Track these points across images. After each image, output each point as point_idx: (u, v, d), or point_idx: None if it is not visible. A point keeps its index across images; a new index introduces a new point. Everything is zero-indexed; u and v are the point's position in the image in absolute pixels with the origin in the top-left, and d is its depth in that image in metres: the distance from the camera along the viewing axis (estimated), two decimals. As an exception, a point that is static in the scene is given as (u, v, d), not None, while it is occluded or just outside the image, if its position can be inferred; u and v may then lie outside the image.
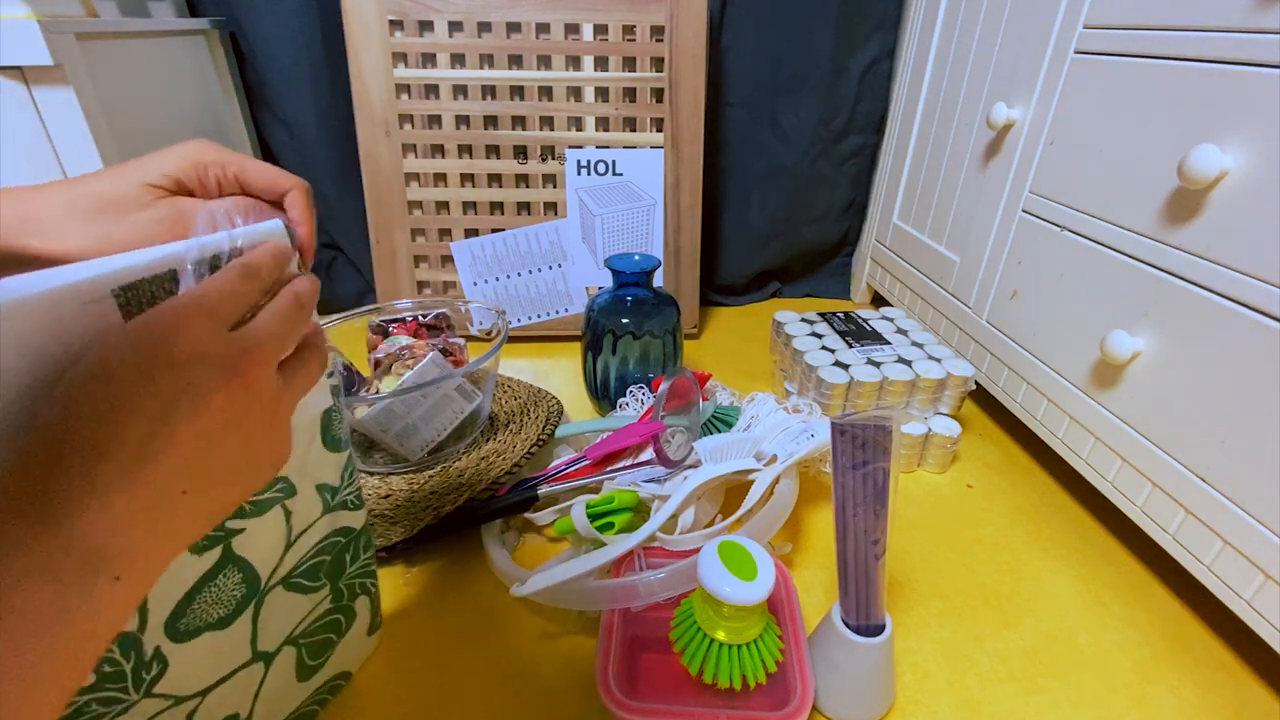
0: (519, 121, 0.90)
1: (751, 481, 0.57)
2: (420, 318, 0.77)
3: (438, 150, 0.90)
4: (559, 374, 0.91)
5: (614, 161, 0.92)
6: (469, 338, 0.80)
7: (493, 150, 0.90)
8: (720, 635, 0.43)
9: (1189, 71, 0.50)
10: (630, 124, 0.91)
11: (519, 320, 0.98)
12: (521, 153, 0.91)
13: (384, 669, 0.50)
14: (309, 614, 0.42)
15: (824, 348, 0.75)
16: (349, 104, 0.88)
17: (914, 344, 0.76)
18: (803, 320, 0.82)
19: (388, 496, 0.63)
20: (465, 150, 0.91)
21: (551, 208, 0.93)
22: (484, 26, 0.86)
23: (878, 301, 1.15)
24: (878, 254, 1.05)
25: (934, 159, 0.88)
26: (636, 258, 0.75)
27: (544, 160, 0.91)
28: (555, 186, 0.92)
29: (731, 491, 0.62)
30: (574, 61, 0.88)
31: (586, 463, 0.63)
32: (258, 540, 0.36)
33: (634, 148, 0.91)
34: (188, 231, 0.27)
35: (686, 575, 0.48)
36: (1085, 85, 0.61)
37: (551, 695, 0.48)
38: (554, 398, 0.76)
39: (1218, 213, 0.48)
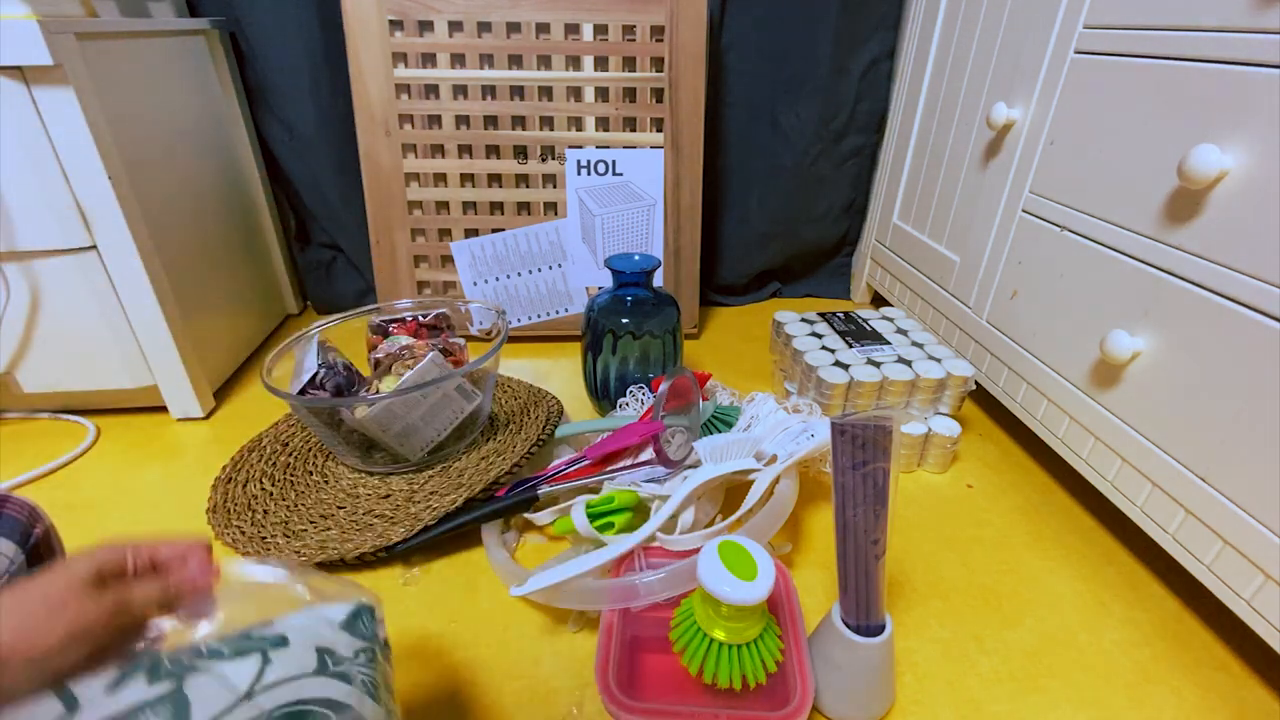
0: (519, 121, 0.90)
1: (751, 481, 0.57)
2: (420, 318, 0.77)
3: (438, 150, 0.90)
4: (559, 374, 0.91)
5: (614, 161, 0.92)
6: (469, 338, 0.80)
7: (493, 150, 0.90)
8: (720, 635, 0.43)
9: (1189, 71, 0.50)
10: (630, 124, 0.91)
11: (519, 320, 0.98)
12: (521, 153, 0.91)
13: (384, 669, 0.50)
14: None
15: (824, 348, 0.75)
16: (349, 104, 0.88)
17: (914, 344, 0.76)
18: (803, 320, 0.82)
19: (388, 497, 0.63)
20: (465, 150, 0.91)
21: (551, 208, 0.93)
22: (484, 26, 0.86)
23: (878, 301, 1.15)
24: (878, 254, 1.05)
25: (934, 159, 0.88)
26: (636, 258, 0.75)
27: (544, 160, 0.91)
28: (555, 186, 0.92)
29: (731, 491, 0.62)
30: (574, 61, 0.88)
31: (586, 463, 0.63)
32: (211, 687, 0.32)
33: (634, 148, 0.91)
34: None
35: (686, 575, 0.48)
36: (1085, 85, 0.61)
37: (551, 695, 0.48)
38: (554, 398, 0.76)
39: (1218, 213, 0.48)
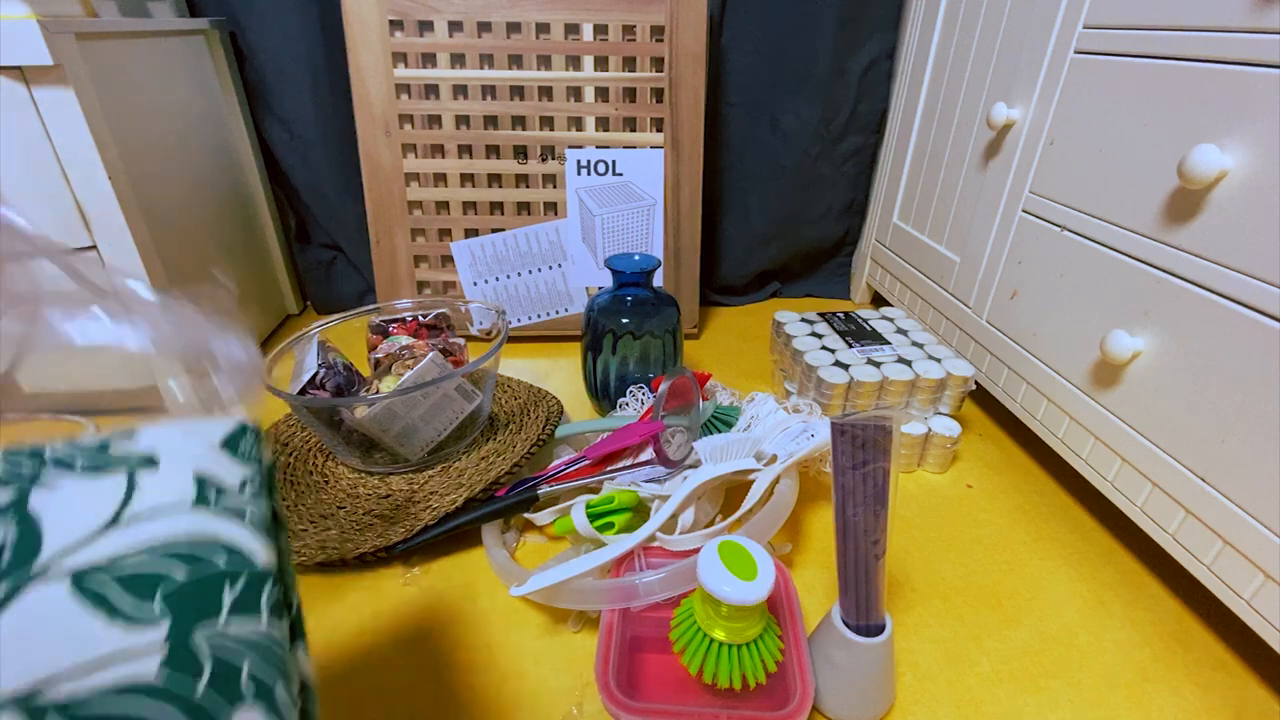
0: (519, 121, 0.90)
1: (751, 481, 0.57)
2: (420, 318, 0.77)
3: (438, 150, 0.90)
4: (559, 374, 0.91)
5: (614, 161, 0.92)
6: (469, 338, 0.80)
7: (493, 150, 0.90)
8: (720, 635, 0.43)
9: (1189, 71, 0.50)
10: (630, 124, 0.91)
11: (519, 320, 0.98)
12: (521, 153, 0.91)
13: (384, 669, 0.50)
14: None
15: (824, 348, 0.75)
16: (349, 104, 0.88)
17: (914, 344, 0.76)
18: (803, 320, 0.82)
19: (388, 496, 0.63)
20: (465, 150, 0.91)
21: (551, 208, 0.93)
22: (484, 26, 0.86)
23: (878, 301, 1.15)
24: (878, 254, 1.05)
25: (934, 159, 0.88)
26: (636, 258, 0.75)
27: (544, 160, 0.91)
28: (555, 186, 0.92)
29: (731, 491, 0.62)
30: (574, 61, 0.88)
31: (586, 463, 0.63)
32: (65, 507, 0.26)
33: (634, 148, 0.91)
34: None
35: (686, 575, 0.48)
36: (1085, 85, 0.61)
37: (551, 695, 0.48)
38: (554, 398, 0.76)
39: (1218, 213, 0.48)
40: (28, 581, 0.24)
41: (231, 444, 0.30)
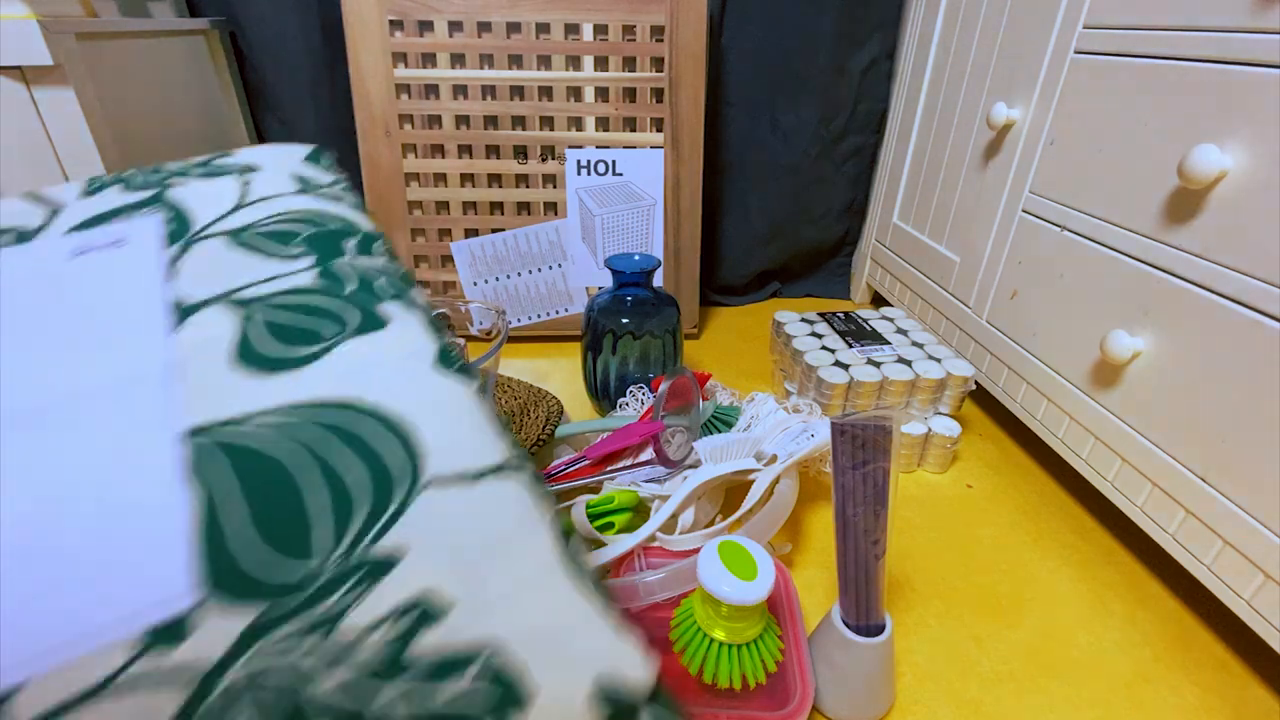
0: (519, 121, 0.90)
1: (751, 481, 0.57)
2: (420, 318, 0.77)
3: (438, 150, 0.90)
4: (559, 374, 0.91)
5: (614, 161, 0.92)
6: (469, 338, 0.80)
7: (493, 150, 0.90)
8: (720, 635, 0.43)
9: (1189, 71, 0.50)
10: (630, 124, 0.91)
11: (519, 320, 0.98)
12: (521, 153, 0.91)
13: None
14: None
15: (824, 348, 0.75)
16: (349, 104, 0.88)
17: (914, 344, 0.76)
18: (803, 320, 0.82)
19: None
20: (465, 150, 0.91)
21: (551, 208, 0.93)
22: (484, 26, 0.86)
23: (878, 301, 1.15)
24: (878, 254, 1.05)
25: (934, 159, 0.88)
26: (636, 258, 0.75)
27: (544, 160, 0.91)
28: (555, 186, 0.92)
29: (731, 491, 0.62)
30: (574, 61, 0.88)
31: (586, 463, 0.63)
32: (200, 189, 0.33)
33: (634, 148, 0.91)
34: None
35: (686, 575, 0.48)
36: (1085, 85, 0.61)
37: (551, 695, 0.48)
38: (554, 398, 0.76)
39: (1218, 213, 0.48)
40: (193, 242, 0.31)
41: (313, 157, 0.39)
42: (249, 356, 0.27)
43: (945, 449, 0.70)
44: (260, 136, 0.99)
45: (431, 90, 0.88)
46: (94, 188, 0.35)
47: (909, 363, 0.71)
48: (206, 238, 0.33)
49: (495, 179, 0.92)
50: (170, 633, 0.20)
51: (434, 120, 0.89)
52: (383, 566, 0.23)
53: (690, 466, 0.61)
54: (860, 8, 0.96)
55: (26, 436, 0.24)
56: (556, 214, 0.94)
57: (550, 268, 0.96)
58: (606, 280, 0.96)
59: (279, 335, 0.29)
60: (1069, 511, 0.67)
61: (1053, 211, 0.65)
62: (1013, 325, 0.71)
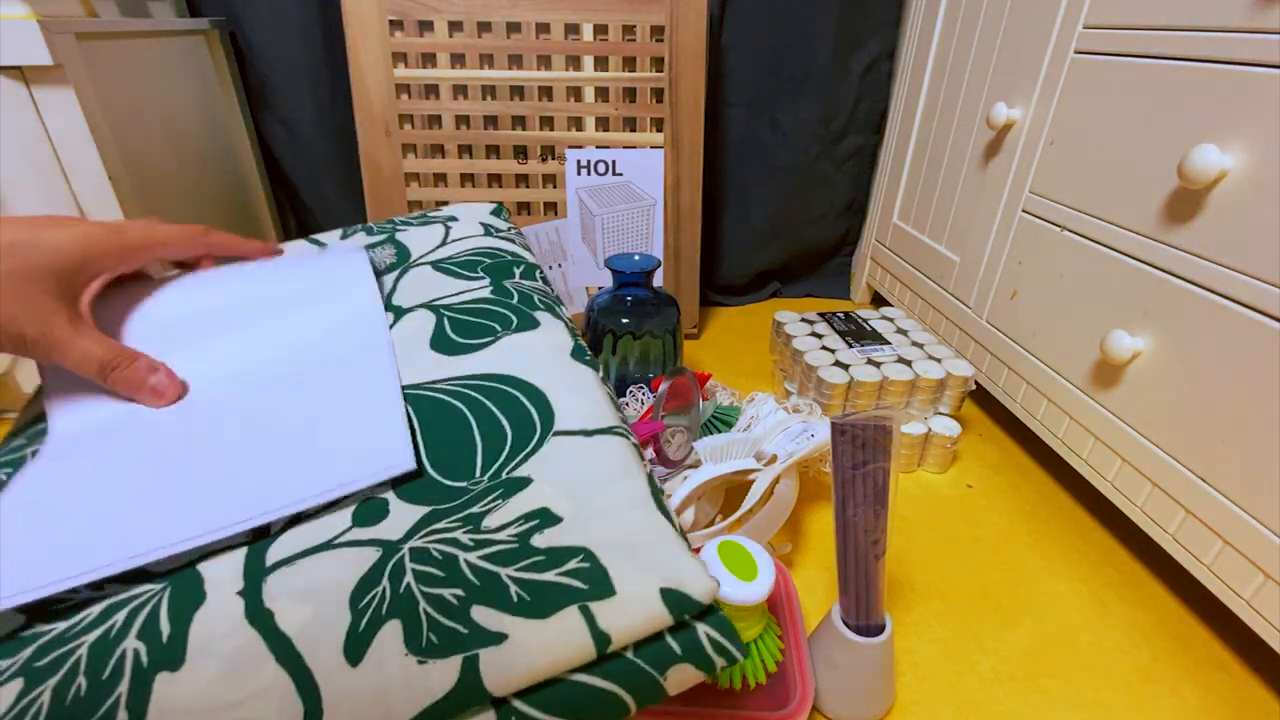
0: (519, 121, 0.90)
1: (751, 481, 0.57)
2: (420, 318, 0.77)
3: (438, 150, 0.90)
4: (559, 374, 0.91)
5: (614, 161, 0.92)
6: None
7: (493, 150, 0.90)
8: (720, 635, 0.43)
9: (1189, 71, 0.50)
10: (630, 124, 0.91)
11: (519, 320, 0.98)
12: (521, 153, 0.91)
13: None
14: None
15: (824, 348, 0.75)
16: (349, 104, 0.88)
17: (914, 344, 0.76)
18: (803, 320, 0.82)
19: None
20: (465, 150, 0.91)
21: (551, 208, 0.93)
22: (484, 26, 0.86)
23: (878, 301, 1.15)
24: (878, 254, 1.05)
25: (934, 159, 0.88)
26: (636, 258, 0.75)
27: (544, 160, 0.91)
28: (555, 186, 0.92)
29: (731, 491, 0.62)
30: (574, 61, 0.88)
31: (586, 463, 0.62)
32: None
33: (634, 148, 0.91)
34: None
35: (686, 575, 0.47)
36: (1085, 85, 0.61)
37: (551, 695, 0.48)
38: (554, 398, 0.76)
39: (1218, 213, 0.48)
40: (411, 268, 0.50)
41: (496, 211, 0.60)
42: (440, 343, 0.43)
43: (945, 449, 0.70)
44: (260, 136, 0.99)
45: (431, 90, 0.88)
46: (345, 232, 0.56)
47: (909, 363, 0.71)
48: (419, 265, 0.51)
49: (495, 179, 0.92)
50: (378, 511, 0.32)
51: (434, 120, 0.89)
52: (518, 484, 0.33)
53: (690, 466, 0.61)
54: (860, 8, 0.96)
55: (321, 374, 0.40)
56: (556, 214, 0.94)
57: (550, 268, 0.96)
58: (606, 280, 0.96)
59: (460, 330, 0.44)
60: (1069, 511, 0.67)
61: (1053, 212, 0.65)
62: (1013, 325, 0.71)
